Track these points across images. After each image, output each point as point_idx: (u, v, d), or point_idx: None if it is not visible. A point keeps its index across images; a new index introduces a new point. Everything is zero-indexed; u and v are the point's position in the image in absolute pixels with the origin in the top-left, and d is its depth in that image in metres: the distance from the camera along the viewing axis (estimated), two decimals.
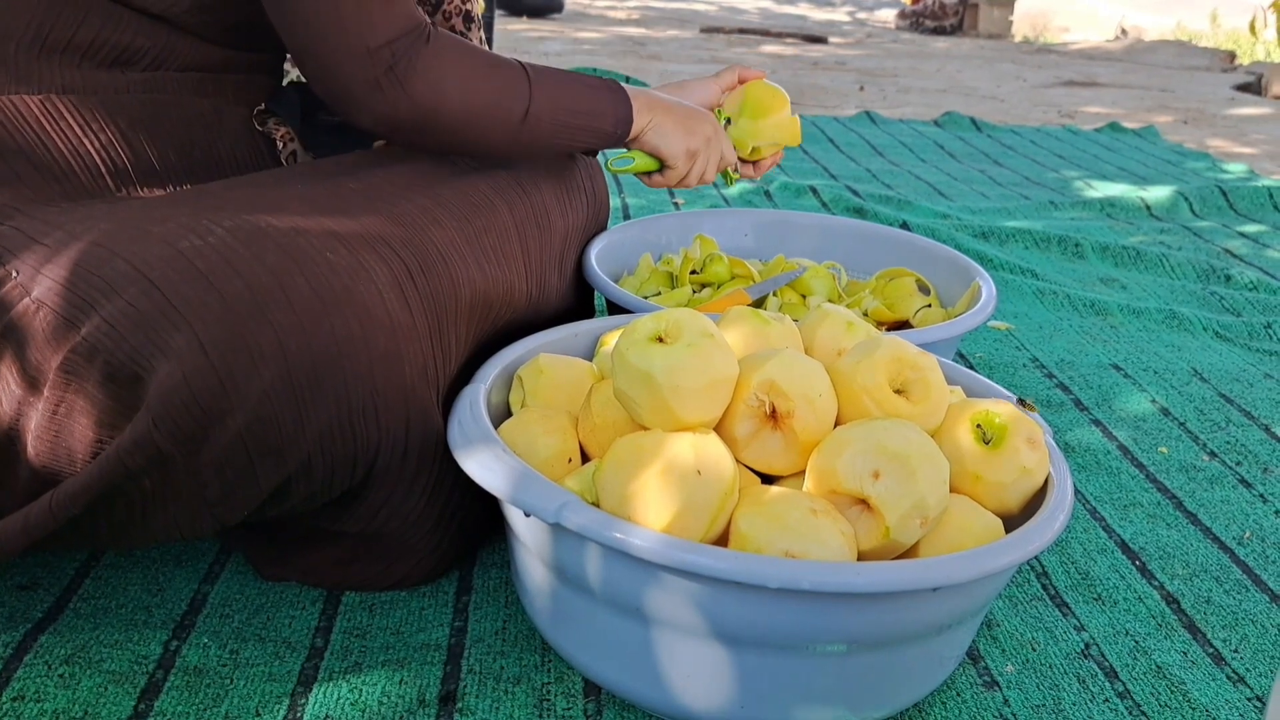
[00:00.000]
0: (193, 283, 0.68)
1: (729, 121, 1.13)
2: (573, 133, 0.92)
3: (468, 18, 1.08)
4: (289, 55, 0.88)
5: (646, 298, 1.20)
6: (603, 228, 1.17)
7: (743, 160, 1.15)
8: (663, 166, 1.05)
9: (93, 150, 0.79)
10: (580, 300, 1.09)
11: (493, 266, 0.86)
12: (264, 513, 0.74)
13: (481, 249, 0.85)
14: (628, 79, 2.96)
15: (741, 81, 1.16)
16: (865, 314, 1.17)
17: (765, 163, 1.16)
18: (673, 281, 1.25)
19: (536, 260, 0.94)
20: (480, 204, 0.88)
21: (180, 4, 0.80)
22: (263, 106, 0.93)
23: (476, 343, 0.86)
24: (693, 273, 1.23)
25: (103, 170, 0.80)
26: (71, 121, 0.79)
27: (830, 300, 1.21)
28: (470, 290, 0.82)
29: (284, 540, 0.83)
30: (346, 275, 0.72)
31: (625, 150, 1.03)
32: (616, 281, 1.25)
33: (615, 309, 1.11)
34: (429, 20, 0.83)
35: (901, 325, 1.18)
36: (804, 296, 1.20)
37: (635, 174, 1.05)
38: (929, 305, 1.22)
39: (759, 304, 1.18)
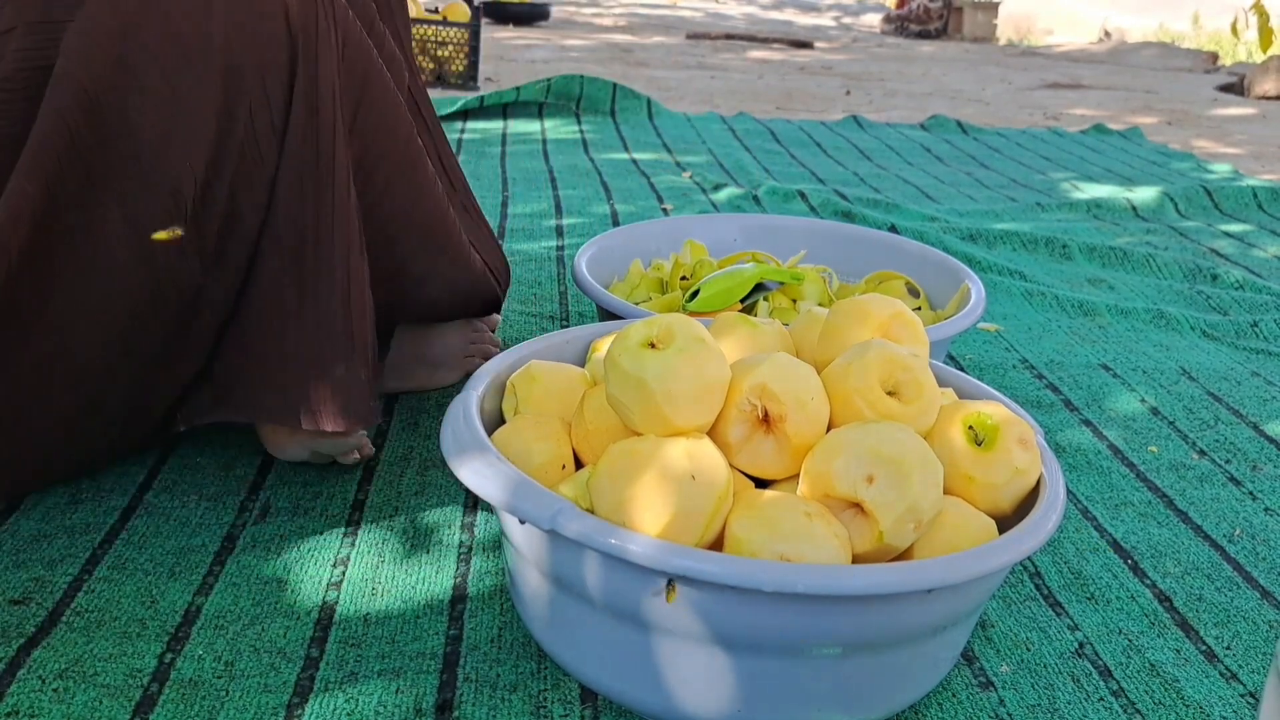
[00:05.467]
0: None
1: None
2: None
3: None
4: None
5: (637, 304, 1.20)
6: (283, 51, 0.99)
7: None
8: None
9: None
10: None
11: None
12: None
13: None
14: (615, 86, 2.96)
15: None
16: None
17: None
18: (663, 287, 1.25)
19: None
20: None
21: None
22: None
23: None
24: (683, 278, 1.24)
25: None
26: None
27: (821, 304, 1.21)
28: None
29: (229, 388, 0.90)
30: None
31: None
32: (607, 288, 1.25)
33: (606, 315, 1.11)
34: None
35: None
36: (795, 301, 1.21)
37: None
38: (919, 308, 1.22)
39: (750, 309, 1.18)
